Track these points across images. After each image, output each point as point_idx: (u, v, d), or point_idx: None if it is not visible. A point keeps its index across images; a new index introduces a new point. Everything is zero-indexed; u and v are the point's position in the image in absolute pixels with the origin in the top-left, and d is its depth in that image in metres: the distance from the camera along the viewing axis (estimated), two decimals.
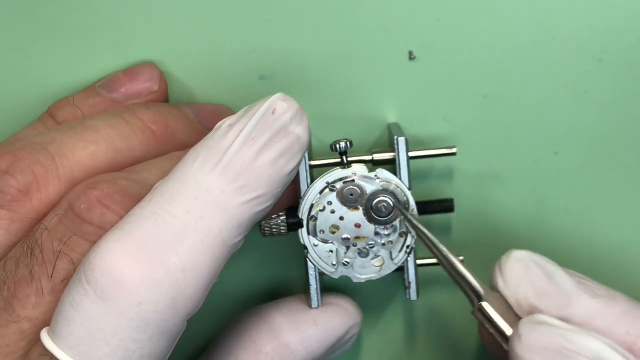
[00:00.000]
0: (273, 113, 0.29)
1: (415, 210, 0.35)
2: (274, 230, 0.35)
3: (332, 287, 0.38)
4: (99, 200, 0.30)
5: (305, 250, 0.35)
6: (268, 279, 0.39)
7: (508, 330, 0.31)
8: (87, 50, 0.37)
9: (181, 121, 0.35)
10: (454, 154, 0.36)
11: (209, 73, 0.38)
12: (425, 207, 0.36)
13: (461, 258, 0.37)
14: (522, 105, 0.37)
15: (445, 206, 0.36)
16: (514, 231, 0.38)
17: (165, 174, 0.31)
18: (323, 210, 0.35)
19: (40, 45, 0.38)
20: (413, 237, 0.35)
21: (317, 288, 0.36)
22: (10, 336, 0.29)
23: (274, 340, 0.35)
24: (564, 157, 0.37)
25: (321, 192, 0.35)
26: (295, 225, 0.35)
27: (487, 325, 0.31)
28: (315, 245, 0.35)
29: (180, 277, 0.28)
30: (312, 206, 0.35)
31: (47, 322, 0.29)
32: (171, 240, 0.28)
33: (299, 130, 0.30)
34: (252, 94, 0.37)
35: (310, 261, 0.35)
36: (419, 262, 0.36)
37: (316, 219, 0.35)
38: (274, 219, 0.35)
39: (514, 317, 0.31)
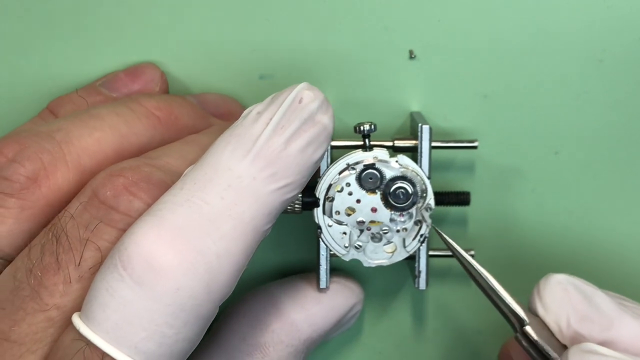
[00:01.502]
0: (300, 102, 0.30)
1: (433, 200, 0.34)
2: (288, 207, 0.35)
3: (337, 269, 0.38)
4: (125, 187, 0.30)
5: (319, 230, 0.35)
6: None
7: (555, 356, 0.30)
8: (87, 50, 0.37)
9: (185, 107, 0.35)
10: (475, 147, 0.36)
11: (209, 73, 0.38)
12: (442, 198, 0.36)
13: (472, 253, 0.37)
14: (522, 105, 0.37)
15: (461, 199, 0.36)
16: (521, 229, 0.38)
17: (184, 158, 0.32)
18: (341, 191, 0.35)
19: (40, 44, 0.37)
20: (428, 226, 0.35)
21: (326, 269, 0.35)
22: (38, 324, 0.29)
23: (279, 318, 0.35)
24: (564, 157, 0.38)
25: (340, 173, 0.35)
26: (310, 204, 0.35)
27: (531, 351, 0.31)
28: (330, 226, 0.35)
29: (215, 263, 0.28)
30: (330, 186, 0.35)
31: (75, 309, 0.29)
32: (205, 226, 0.28)
33: (325, 120, 0.30)
34: (253, 93, 0.38)
35: (323, 241, 0.35)
36: (431, 252, 0.36)
37: (333, 199, 0.35)
38: None
39: (556, 342, 0.31)
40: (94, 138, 0.32)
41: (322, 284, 0.36)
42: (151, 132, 0.34)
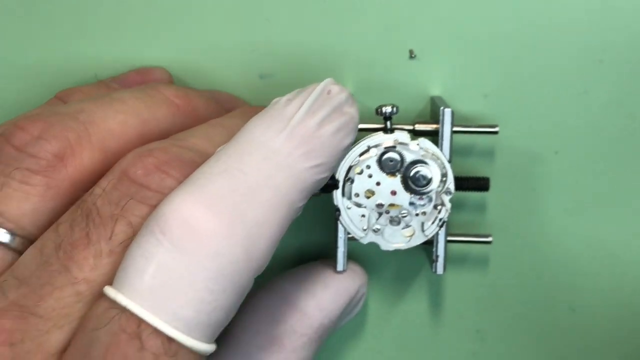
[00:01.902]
0: (329, 93, 0.30)
1: (453, 184, 0.34)
2: None
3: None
4: (155, 166, 0.29)
5: (337, 212, 0.35)
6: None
7: None
8: (86, 50, 0.37)
9: (201, 99, 0.35)
10: (495, 132, 0.36)
11: (209, 72, 0.37)
12: (461, 183, 0.36)
13: (490, 239, 0.37)
14: (522, 105, 0.37)
15: (481, 184, 0.36)
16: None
17: (211, 139, 0.31)
18: (361, 173, 0.34)
19: (40, 42, 0.37)
20: (447, 210, 0.34)
21: (344, 251, 0.35)
22: (66, 298, 0.28)
23: (289, 309, 0.35)
24: (564, 157, 0.38)
25: (361, 155, 0.34)
26: (329, 186, 0.34)
27: None
28: (348, 208, 0.35)
29: (254, 231, 0.28)
30: (350, 168, 0.34)
31: (104, 284, 0.28)
32: (244, 194, 0.28)
33: (353, 111, 0.30)
34: (252, 93, 0.38)
35: (341, 224, 0.35)
36: (449, 238, 0.36)
37: (352, 181, 0.34)
38: None
39: None
40: (118, 120, 0.32)
41: (340, 267, 0.35)
42: (171, 119, 0.33)
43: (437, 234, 0.35)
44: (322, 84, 0.30)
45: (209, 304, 0.27)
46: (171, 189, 0.29)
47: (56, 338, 0.28)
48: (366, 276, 0.37)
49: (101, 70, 0.37)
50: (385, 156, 0.34)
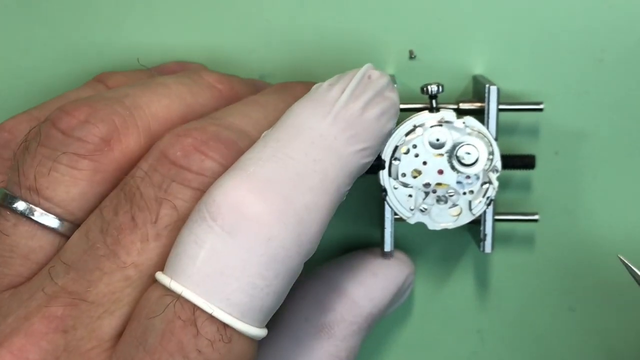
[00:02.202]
0: (369, 77, 0.30)
1: (500, 162, 0.34)
2: None
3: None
4: (194, 147, 0.29)
5: (384, 193, 0.34)
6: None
7: None
8: (87, 48, 0.38)
9: (242, 85, 0.35)
10: (540, 110, 0.35)
11: None
12: (507, 161, 0.36)
13: (536, 217, 0.37)
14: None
15: (526, 162, 0.36)
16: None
17: (248, 116, 0.31)
18: (407, 152, 0.34)
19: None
20: (494, 188, 0.34)
21: (391, 232, 0.35)
22: (115, 283, 0.28)
23: (339, 297, 0.35)
24: (564, 157, 0.37)
25: (407, 135, 0.34)
26: (375, 166, 0.34)
27: None
28: (395, 188, 0.34)
29: (304, 215, 0.27)
30: (396, 148, 0.34)
31: (152, 268, 0.28)
32: (293, 180, 0.28)
33: (394, 96, 0.30)
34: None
35: (388, 204, 0.35)
36: (496, 217, 0.36)
37: (399, 161, 0.34)
38: None
39: None
40: (163, 105, 0.31)
41: (387, 247, 0.35)
42: (214, 104, 0.33)
43: (484, 212, 0.35)
44: (362, 69, 0.30)
45: (261, 289, 0.27)
46: (212, 171, 0.29)
47: (108, 324, 0.28)
48: (413, 266, 0.37)
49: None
50: (432, 135, 0.34)
